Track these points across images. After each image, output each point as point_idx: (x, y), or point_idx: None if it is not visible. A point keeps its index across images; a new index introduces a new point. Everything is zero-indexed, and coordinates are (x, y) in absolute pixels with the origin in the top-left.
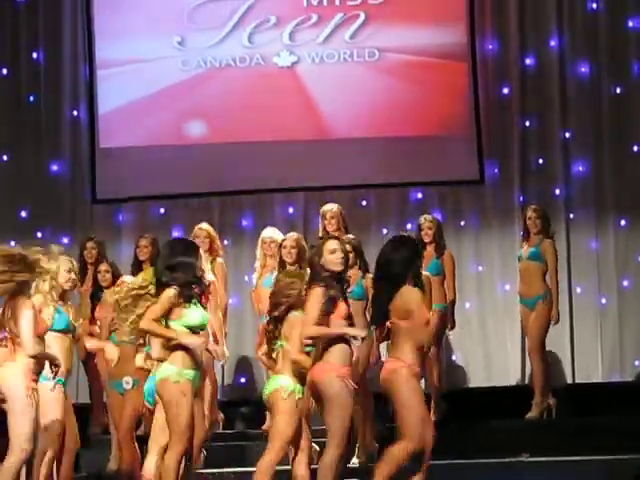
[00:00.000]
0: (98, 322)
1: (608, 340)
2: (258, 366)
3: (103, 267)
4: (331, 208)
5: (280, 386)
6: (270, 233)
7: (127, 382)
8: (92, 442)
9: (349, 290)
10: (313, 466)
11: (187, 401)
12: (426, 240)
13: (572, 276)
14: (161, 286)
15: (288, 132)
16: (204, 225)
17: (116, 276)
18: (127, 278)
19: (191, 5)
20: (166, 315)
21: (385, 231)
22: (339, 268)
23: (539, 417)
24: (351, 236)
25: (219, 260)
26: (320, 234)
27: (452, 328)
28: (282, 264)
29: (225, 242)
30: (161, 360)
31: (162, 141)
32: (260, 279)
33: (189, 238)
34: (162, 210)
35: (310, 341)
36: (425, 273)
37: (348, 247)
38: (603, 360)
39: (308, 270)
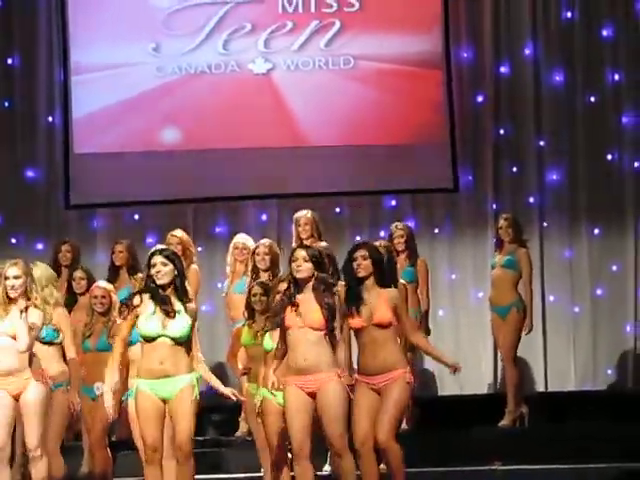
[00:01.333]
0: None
1: (581, 348)
2: (231, 371)
3: (78, 274)
4: (305, 214)
5: None
6: (242, 239)
7: (98, 388)
8: (64, 449)
9: None
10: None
11: None
12: (399, 248)
13: (545, 284)
14: None
15: (262, 139)
16: (177, 232)
17: (91, 282)
18: (101, 283)
19: (166, 11)
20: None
21: (358, 238)
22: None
23: (512, 425)
24: (324, 244)
25: (193, 266)
26: (294, 241)
27: (427, 335)
28: (255, 271)
29: (199, 249)
30: None
31: (136, 147)
32: (231, 285)
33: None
34: (136, 216)
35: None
36: (401, 281)
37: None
38: (576, 368)
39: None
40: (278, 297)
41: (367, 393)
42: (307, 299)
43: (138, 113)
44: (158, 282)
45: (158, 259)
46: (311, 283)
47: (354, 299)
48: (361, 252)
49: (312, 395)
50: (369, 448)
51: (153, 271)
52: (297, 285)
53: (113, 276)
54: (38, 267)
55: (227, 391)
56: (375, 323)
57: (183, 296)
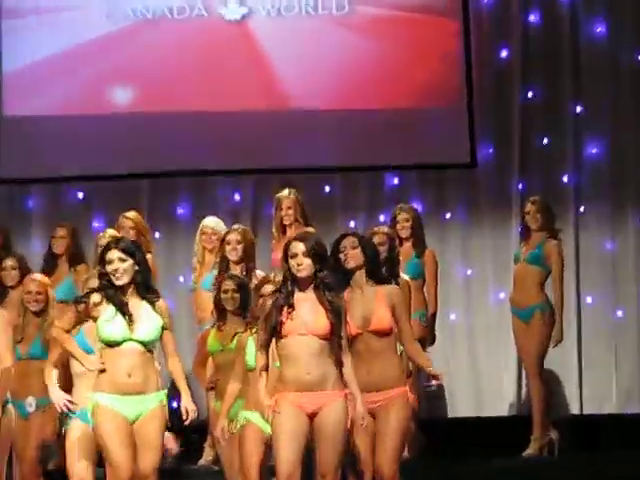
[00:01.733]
0: None
1: (625, 361)
2: (196, 385)
3: (9, 262)
4: (287, 195)
5: None
6: (212, 222)
7: (30, 404)
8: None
9: None
10: None
11: None
12: (403, 236)
13: (581, 283)
14: None
15: (236, 101)
16: (130, 214)
17: (24, 273)
18: (37, 276)
19: None
20: None
21: (353, 224)
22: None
23: (538, 454)
24: (311, 229)
25: (148, 256)
26: (274, 227)
27: (432, 344)
28: (225, 261)
29: (156, 234)
30: None
31: (81, 110)
32: (199, 279)
33: (113, 229)
34: (80, 195)
35: None
36: (403, 276)
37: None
38: (618, 386)
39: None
40: (262, 301)
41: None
42: (308, 300)
43: (83, 67)
44: (116, 282)
45: (115, 254)
46: (312, 282)
47: (338, 289)
48: (349, 240)
49: (310, 415)
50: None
51: (109, 269)
52: (295, 284)
53: (50, 267)
54: None
55: (188, 408)
56: (372, 330)
57: (148, 293)
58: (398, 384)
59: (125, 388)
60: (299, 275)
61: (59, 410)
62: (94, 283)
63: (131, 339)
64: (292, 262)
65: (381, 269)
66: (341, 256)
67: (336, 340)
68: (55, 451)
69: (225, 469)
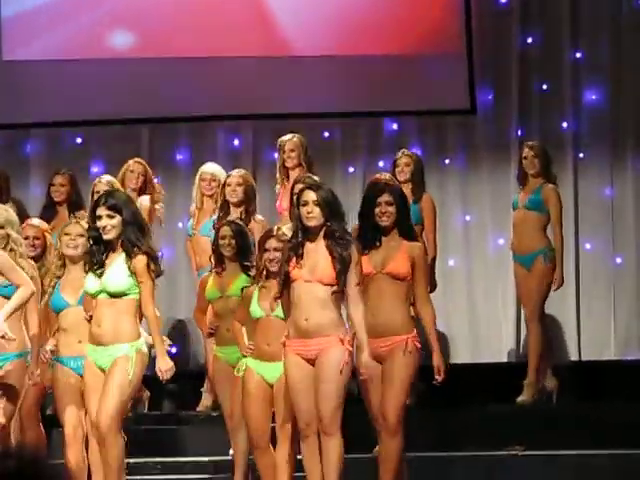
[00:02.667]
0: None
1: (623, 308)
2: (195, 333)
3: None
4: (291, 138)
5: None
6: (211, 168)
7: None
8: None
9: None
10: None
11: None
12: (401, 179)
13: (580, 230)
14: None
15: (235, 46)
16: (141, 159)
17: (22, 219)
18: (35, 221)
19: None
20: None
21: (352, 169)
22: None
23: (531, 401)
24: (313, 176)
25: (149, 205)
26: (277, 171)
27: (432, 290)
28: (225, 206)
29: (155, 180)
30: None
31: (79, 54)
32: (197, 225)
33: (109, 175)
34: (79, 139)
35: None
36: None
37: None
38: (617, 333)
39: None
40: (268, 255)
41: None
42: (316, 249)
43: (82, 11)
44: (104, 237)
45: (103, 211)
46: (322, 232)
47: (366, 243)
48: (386, 197)
49: (311, 362)
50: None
51: (98, 224)
52: (304, 233)
53: (50, 213)
54: None
55: (162, 369)
56: (386, 272)
57: (132, 249)
58: (404, 331)
59: (97, 338)
60: (308, 224)
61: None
62: (74, 228)
63: (102, 291)
64: (302, 210)
65: (412, 228)
66: (377, 210)
67: (342, 288)
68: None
69: (224, 414)
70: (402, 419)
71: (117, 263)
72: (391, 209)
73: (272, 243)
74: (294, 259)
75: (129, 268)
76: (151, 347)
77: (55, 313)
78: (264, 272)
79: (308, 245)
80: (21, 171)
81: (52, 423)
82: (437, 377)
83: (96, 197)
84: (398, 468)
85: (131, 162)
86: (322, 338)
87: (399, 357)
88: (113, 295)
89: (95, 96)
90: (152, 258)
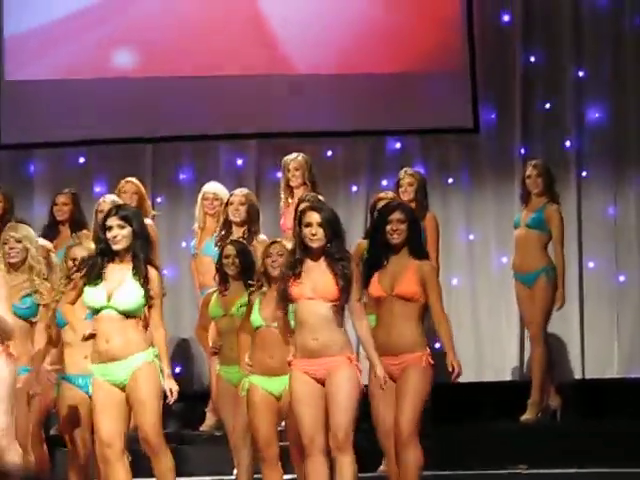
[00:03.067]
0: None
1: (627, 326)
2: (199, 353)
3: None
4: (295, 157)
5: None
6: (213, 188)
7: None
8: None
9: None
10: None
11: None
12: (405, 198)
13: (583, 248)
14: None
15: (238, 65)
16: (133, 179)
17: None
18: (40, 241)
19: None
20: None
21: (355, 188)
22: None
23: (536, 419)
24: (317, 195)
25: (148, 221)
26: (282, 190)
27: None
28: (227, 224)
29: (158, 200)
30: None
31: (82, 74)
32: (200, 245)
33: (113, 194)
34: (81, 159)
35: None
36: None
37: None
38: (620, 350)
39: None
40: (271, 260)
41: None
42: (317, 267)
43: (85, 31)
44: (114, 247)
45: (114, 221)
46: (322, 253)
47: (376, 264)
48: (397, 215)
49: (320, 382)
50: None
51: (109, 235)
52: (306, 252)
53: (53, 233)
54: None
55: (172, 389)
56: (395, 294)
57: (142, 262)
58: (417, 349)
59: (105, 355)
60: (312, 245)
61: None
62: (79, 251)
63: (110, 307)
64: (306, 231)
65: (423, 247)
66: (388, 228)
67: (344, 304)
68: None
69: (227, 432)
70: (416, 433)
71: (127, 279)
72: (402, 227)
73: (276, 248)
74: (292, 278)
75: (140, 284)
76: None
77: (60, 327)
78: (265, 278)
79: (308, 263)
80: (24, 191)
81: (56, 443)
82: (454, 371)
83: (100, 216)
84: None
85: (122, 182)
86: (331, 358)
87: (412, 373)
88: (122, 313)
89: (98, 115)
90: (160, 278)
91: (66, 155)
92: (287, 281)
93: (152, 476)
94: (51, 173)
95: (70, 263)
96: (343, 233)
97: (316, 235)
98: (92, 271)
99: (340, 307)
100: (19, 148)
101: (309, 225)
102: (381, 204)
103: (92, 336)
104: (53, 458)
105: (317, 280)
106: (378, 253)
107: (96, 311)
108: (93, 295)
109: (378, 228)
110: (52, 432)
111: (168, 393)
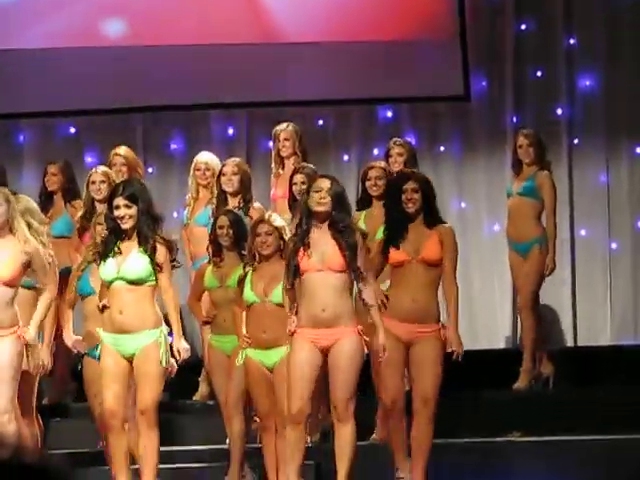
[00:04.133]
0: None
1: (619, 294)
2: (191, 322)
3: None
4: (285, 127)
5: None
6: (205, 158)
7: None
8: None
9: None
10: None
11: None
12: (394, 169)
13: (575, 216)
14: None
15: (228, 33)
16: (121, 150)
17: None
18: None
19: None
20: None
21: (346, 157)
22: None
23: (528, 387)
24: (311, 166)
25: None
26: (273, 159)
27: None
28: (222, 195)
29: (149, 170)
30: None
31: (71, 42)
32: (192, 215)
33: (104, 165)
34: (72, 129)
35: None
36: None
37: (301, 178)
38: (613, 318)
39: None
40: (260, 239)
41: (396, 346)
42: (322, 238)
43: (72, 0)
44: (123, 226)
45: (121, 201)
46: (327, 222)
47: (396, 233)
48: (411, 184)
49: (324, 350)
50: (401, 408)
51: (116, 214)
52: (311, 219)
53: (46, 204)
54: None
55: (180, 348)
56: (421, 258)
57: (149, 237)
58: (434, 321)
59: (119, 325)
60: (318, 209)
61: (74, 351)
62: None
63: (119, 278)
64: (315, 195)
65: (438, 214)
66: (403, 197)
67: (353, 274)
68: (50, 387)
69: (219, 402)
70: (436, 401)
71: (134, 251)
72: (417, 196)
73: (264, 227)
74: (301, 250)
75: (149, 257)
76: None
77: (80, 297)
78: (256, 256)
79: (314, 235)
80: (14, 161)
81: (50, 413)
82: (451, 351)
83: (92, 187)
84: (430, 448)
85: (111, 154)
86: (338, 328)
87: (432, 344)
88: (132, 282)
89: (87, 85)
90: (169, 249)
91: (56, 125)
92: (296, 254)
93: None
94: (41, 143)
95: (99, 228)
96: (349, 209)
97: (324, 199)
98: (104, 249)
99: (348, 276)
100: (7, 118)
101: (319, 190)
102: (372, 172)
103: (106, 307)
104: (46, 428)
105: (324, 251)
106: (397, 224)
107: (109, 283)
108: (105, 269)
109: (393, 199)
110: (44, 402)
111: (175, 352)
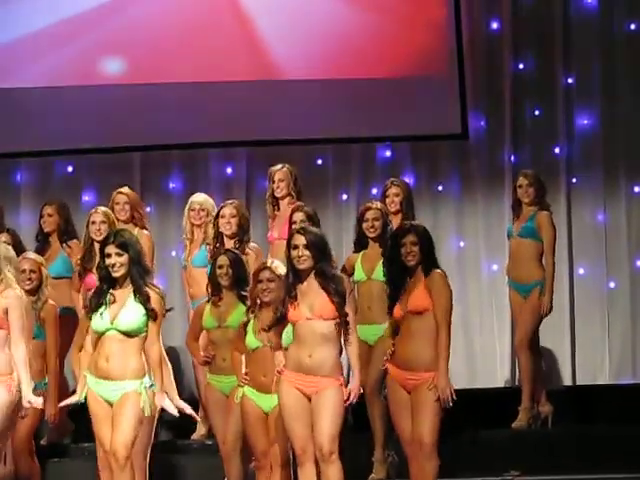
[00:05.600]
0: None
1: (617, 332)
2: (187, 361)
3: (2, 238)
4: (280, 168)
5: None
6: (199, 199)
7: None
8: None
9: None
10: None
11: None
12: (391, 210)
13: (574, 255)
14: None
15: (226, 72)
16: (125, 189)
17: (17, 248)
18: (30, 254)
19: None
20: None
21: (345, 197)
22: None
23: (527, 426)
24: (300, 203)
25: (145, 232)
26: (267, 201)
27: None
28: (219, 237)
29: (148, 209)
30: None
31: (70, 81)
32: (189, 257)
33: (104, 205)
34: (70, 168)
35: None
36: None
37: (301, 216)
38: (611, 357)
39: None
40: (262, 286)
41: (398, 391)
42: (310, 288)
43: (73, 38)
44: (114, 275)
45: (112, 249)
46: (312, 272)
47: (396, 288)
48: (410, 237)
49: (307, 396)
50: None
51: (107, 262)
52: (296, 275)
53: (42, 245)
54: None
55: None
56: (409, 310)
57: (142, 285)
58: (432, 367)
59: (104, 372)
60: (299, 267)
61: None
62: None
63: (112, 328)
64: (293, 253)
65: (436, 262)
66: (402, 251)
67: (342, 321)
68: (48, 428)
69: (218, 441)
70: (436, 444)
71: (129, 301)
72: (415, 249)
73: (265, 274)
74: (287, 301)
75: (144, 307)
76: None
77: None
78: (258, 303)
79: (301, 285)
80: (11, 199)
81: (46, 454)
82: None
83: (92, 228)
84: None
85: (114, 193)
86: (322, 378)
87: (426, 390)
88: (125, 333)
89: (86, 124)
90: (162, 298)
91: (54, 164)
92: (285, 305)
93: None
94: (38, 182)
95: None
96: (330, 253)
97: (302, 257)
98: (95, 301)
99: (338, 325)
100: (6, 157)
101: (295, 248)
102: (369, 214)
103: None
104: (44, 469)
105: (313, 300)
106: (399, 280)
107: (101, 334)
108: (98, 321)
109: (393, 252)
110: (42, 442)
111: (169, 409)
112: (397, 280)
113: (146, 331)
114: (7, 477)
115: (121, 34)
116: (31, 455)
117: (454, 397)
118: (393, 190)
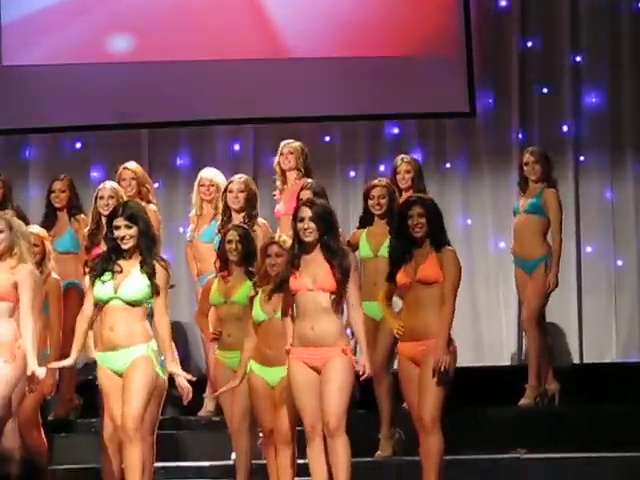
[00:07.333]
0: None
1: (625, 310)
2: (196, 338)
3: (9, 214)
4: (291, 142)
5: None
6: (209, 174)
7: None
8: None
9: None
10: None
11: None
12: (402, 186)
13: (581, 233)
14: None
15: (235, 49)
16: (131, 164)
17: None
18: (35, 228)
19: None
20: None
21: (353, 174)
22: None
23: (534, 404)
24: (310, 180)
25: (152, 207)
26: (276, 175)
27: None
28: (227, 212)
29: (155, 185)
30: None
31: (79, 58)
32: (196, 231)
33: (112, 181)
34: (78, 145)
35: None
36: None
37: (309, 194)
38: (618, 335)
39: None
40: (270, 261)
41: (409, 368)
42: (314, 260)
43: (82, 16)
44: (123, 247)
45: (121, 221)
46: (318, 245)
47: (401, 259)
48: (417, 209)
49: (316, 370)
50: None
51: (116, 234)
52: (302, 246)
53: (51, 220)
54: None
55: (186, 389)
56: (418, 279)
57: (149, 257)
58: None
59: (109, 342)
60: (305, 239)
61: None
62: None
63: (116, 297)
64: (299, 225)
65: (445, 236)
66: (409, 222)
67: (342, 296)
68: (56, 404)
69: (225, 418)
70: (438, 419)
71: (134, 272)
72: (422, 220)
73: (274, 249)
74: (292, 272)
75: (148, 278)
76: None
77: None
78: (265, 277)
79: (306, 257)
80: (20, 176)
81: (54, 429)
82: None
83: (100, 203)
84: (440, 464)
85: (120, 169)
86: (327, 348)
87: (431, 366)
88: (128, 303)
89: (94, 101)
90: (167, 271)
91: (62, 140)
92: (288, 275)
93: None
94: (47, 158)
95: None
96: (337, 226)
97: (308, 229)
98: (101, 266)
99: (339, 297)
100: (14, 133)
101: (302, 220)
102: (375, 191)
103: None
104: (51, 443)
105: (316, 272)
106: (402, 248)
107: (104, 302)
108: (101, 289)
109: (401, 223)
110: (50, 417)
111: (181, 391)
112: (401, 248)
113: (150, 303)
114: (15, 451)
115: (129, 11)
116: (38, 429)
117: (448, 372)
118: (404, 167)
